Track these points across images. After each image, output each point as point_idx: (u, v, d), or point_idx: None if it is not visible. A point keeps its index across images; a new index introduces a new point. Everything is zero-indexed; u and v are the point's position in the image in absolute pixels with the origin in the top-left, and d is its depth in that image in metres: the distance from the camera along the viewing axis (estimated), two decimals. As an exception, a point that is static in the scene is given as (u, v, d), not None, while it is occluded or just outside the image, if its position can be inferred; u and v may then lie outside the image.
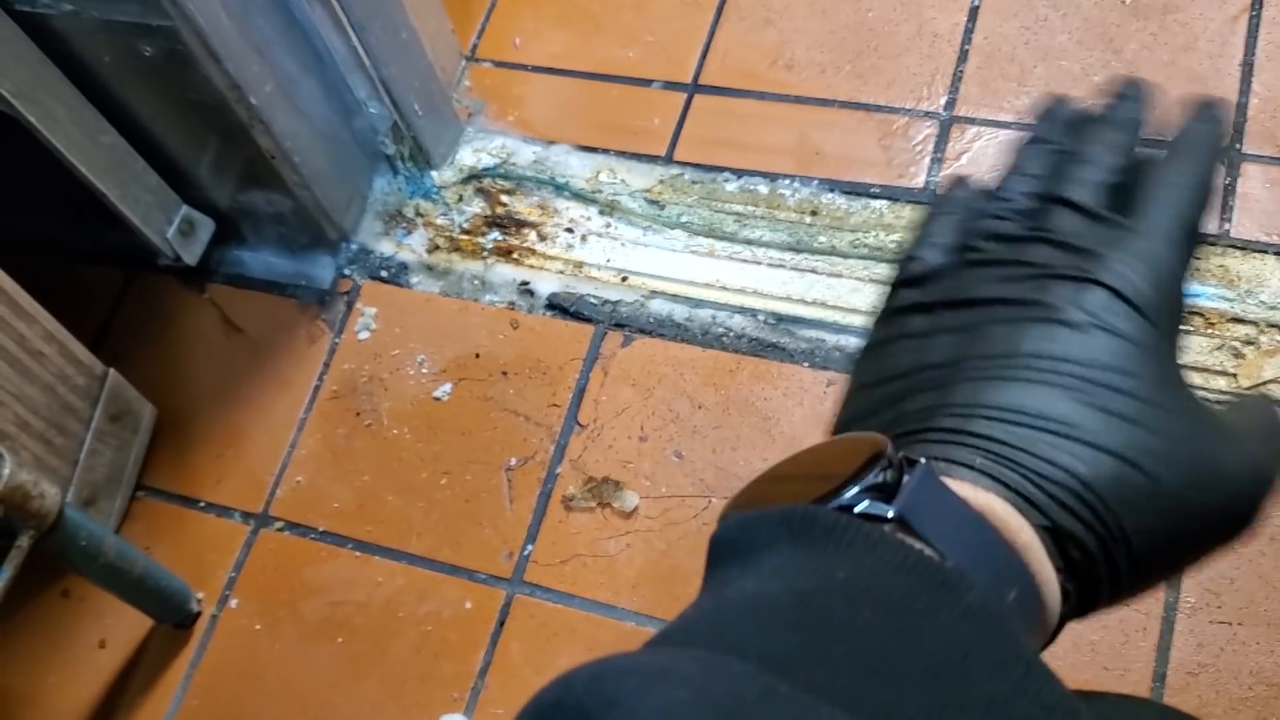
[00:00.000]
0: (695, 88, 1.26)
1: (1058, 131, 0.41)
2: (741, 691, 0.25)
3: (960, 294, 0.37)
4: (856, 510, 0.31)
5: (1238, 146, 1.10)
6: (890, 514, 0.31)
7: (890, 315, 0.40)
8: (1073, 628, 0.94)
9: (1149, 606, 0.94)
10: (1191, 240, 0.37)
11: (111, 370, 1.12)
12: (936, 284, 0.38)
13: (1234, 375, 1.01)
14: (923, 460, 0.32)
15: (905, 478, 0.32)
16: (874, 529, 0.31)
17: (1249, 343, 1.02)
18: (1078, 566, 0.33)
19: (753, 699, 0.25)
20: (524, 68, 1.32)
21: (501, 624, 1.04)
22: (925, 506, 0.31)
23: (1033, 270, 0.36)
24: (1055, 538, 0.32)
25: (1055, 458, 0.32)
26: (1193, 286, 1.04)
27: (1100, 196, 0.38)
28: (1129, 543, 0.33)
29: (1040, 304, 0.35)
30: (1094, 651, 0.94)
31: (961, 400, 0.34)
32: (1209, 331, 1.03)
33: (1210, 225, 1.06)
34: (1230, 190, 1.09)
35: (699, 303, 1.14)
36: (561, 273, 1.19)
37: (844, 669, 0.27)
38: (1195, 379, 1.01)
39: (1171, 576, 0.36)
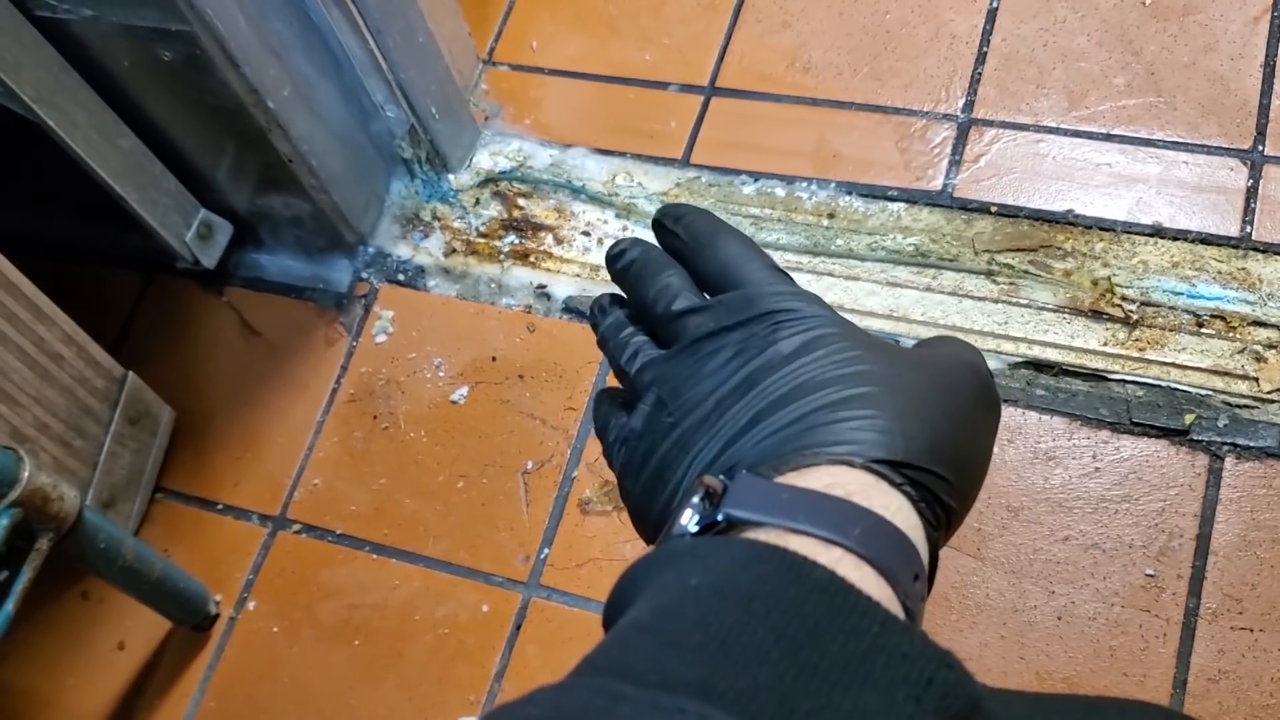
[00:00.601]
0: (712, 90, 1.26)
1: (619, 303, 0.47)
2: (590, 701, 0.28)
3: (696, 386, 0.41)
4: (694, 530, 0.35)
5: (1260, 149, 1.10)
6: (720, 516, 0.35)
7: (626, 438, 0.43)
8: (1091, 634, 0.94)
9: (1169, 612, 0.94)
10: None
11: (130, 373, 1.12)
12: (650, 405, 0.42)
13: (1255, 380, 1.00)
14: (742, 470, 0.36)
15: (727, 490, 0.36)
16: (721, 538, 0.34)
17: (1271, 346, 1.01)
18: (934, 512, 0.37)
19: (600, 704, 0.27)
20: (541, 71, 1.32)
21: (518, 627, 1.04)
22: (751, 498, 0.35)
23: (727, 346, 0.41)
24: (887, 472, 0.36)
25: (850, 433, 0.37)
26: (1214, 289, 1.04)
27: (691, 295, 0.43)
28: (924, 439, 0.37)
29: (764, 361, 0.40)
30: (1113, 657, 0.93)
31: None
32: (1230, 335, 1.02)
33: (1233, 228, 1.06)
34: (1252, 193, 1.08)
35: (716, 306, 1.14)
36: (578, 276, 1.19)
37: (695, 659, 0.29)
38: (1217, 383, 1.00)
39: (974, 463, 0.40)
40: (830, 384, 0.38)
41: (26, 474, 0.84)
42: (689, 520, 0.35)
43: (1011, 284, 1.08)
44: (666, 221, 0.46)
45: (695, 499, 0.36)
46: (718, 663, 0.29)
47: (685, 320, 0.42)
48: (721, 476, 0.37)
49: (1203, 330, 1.03)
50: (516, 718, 0.28)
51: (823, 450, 0.36)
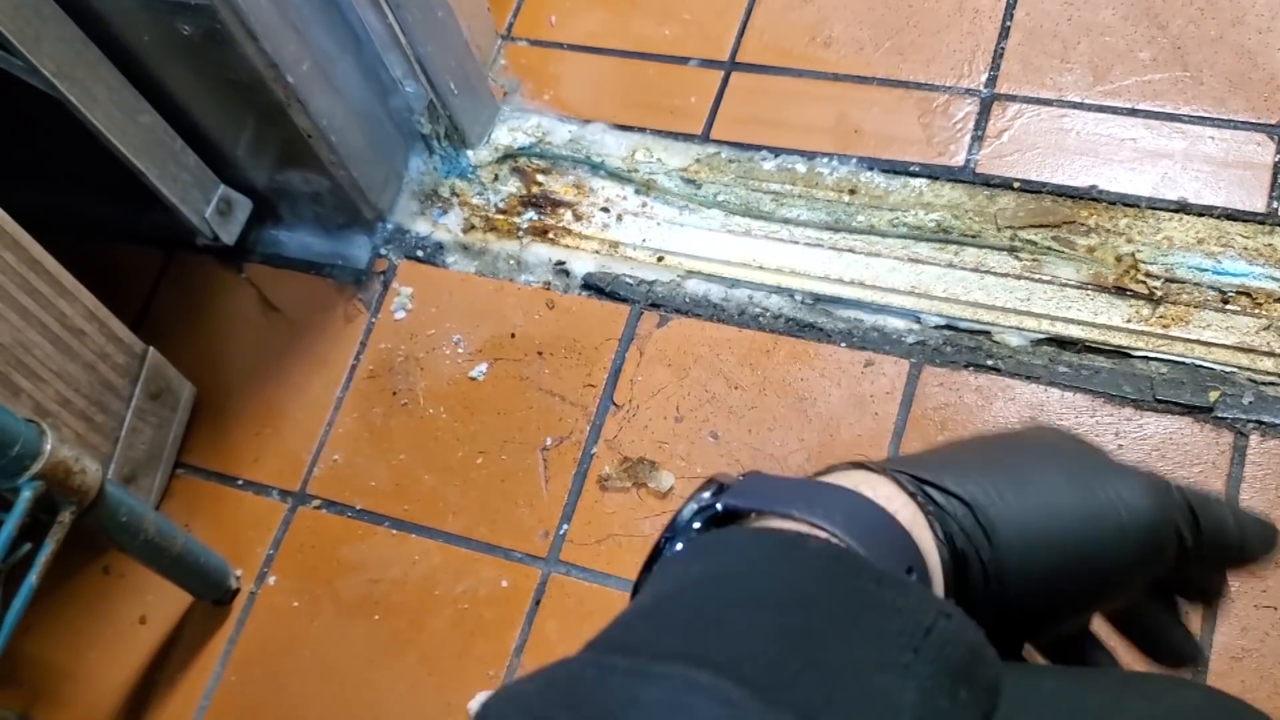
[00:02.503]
0: (732, 65, 1.25)
1: None
2: (582, 673, 0.29)
3: None
4: (691, 516, 0.36)
5: (1287, 123, 1.08)
6: (719, 506, 0.36)
7: None
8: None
9: (1192, 590, 0.93)
10: None
11: (151, 349, 1.12)
12: None
13: (1281, 356, 0.99)
14: (751, 471, 0.38)
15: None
16: (722, 529, 0.35)
17: (1297, 323, 1.00)
18: (949, 532, 0.36)
19: (591, 675, 0.29)
20: (560, 46, 1.31)
21: (537, 603, 1.04)
22: (751, 491, 0.36)
23: None
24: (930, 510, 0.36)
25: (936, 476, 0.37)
26: (1239, 265, 1.03)
27: None
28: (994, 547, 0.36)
29: None
30: (1136, 635, 0.92)
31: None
32: (1256, 312, 1.01)
33: (1259, 204, 1.05)
34: (1279, 168, 1.07)
35: (735, 282, 1.13)
36: (597, 252, 1.18)
37: (688, 634, 0.30)
38: (1241, 360, 0.99)
39: (1065, 613, 0.40)
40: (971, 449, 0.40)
41: (49, 447, 0.85)
42: (690, 510, 0.37)
43: (1034, 260, 1.07)
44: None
45: (705, 493, 0.37)
46: (710, 635, 0.29)
47: None
48: (741, 475, 0.38)
49: (1228, 307, 1.02)
50: (514, 692, 0.29)
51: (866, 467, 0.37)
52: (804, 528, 0.33)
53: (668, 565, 0.35)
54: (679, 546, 0.36)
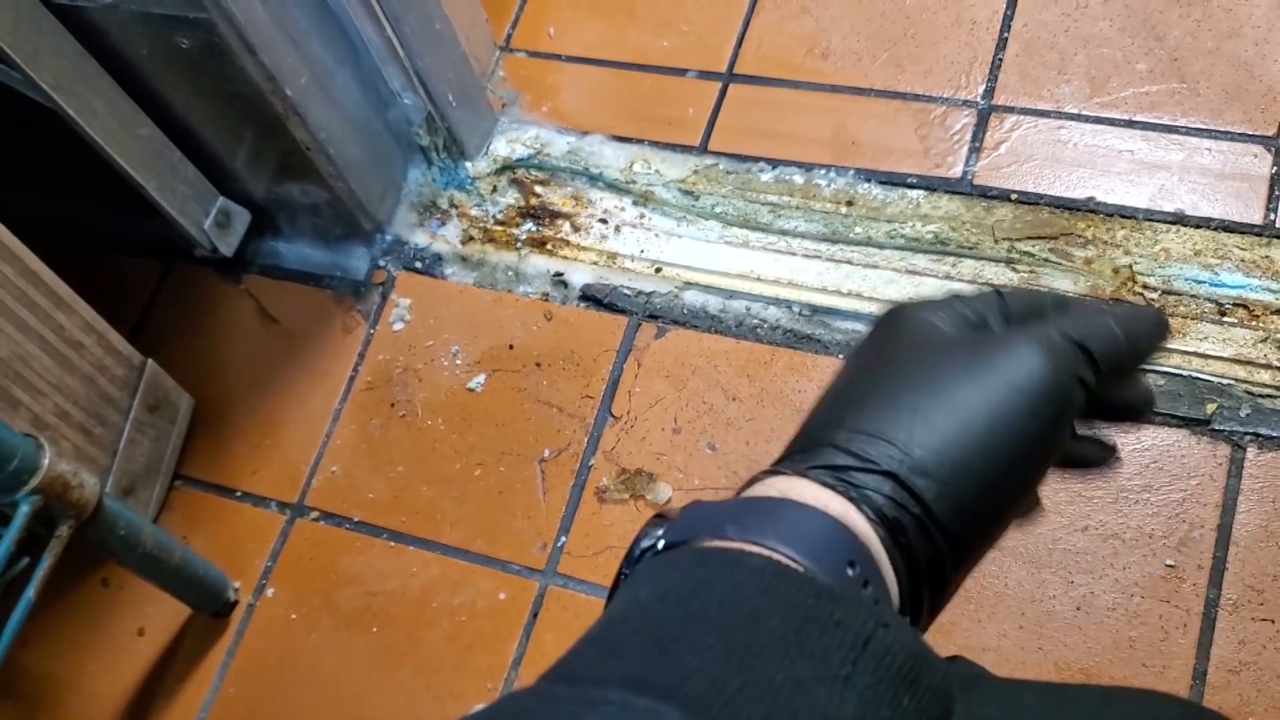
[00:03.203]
0: (730, 77, 1.25)
1: None
2: (525, 704, 0.29)
3: None
4: (642, 556, 0.37)
5: (1284, 135, 1.08)
6: (660, 545, 0.36)
7: None
8: (1111, 625, 0.93)
9: (1189, 603, 0.93)
10: None
11: (149, 360, 1.13)
12: None
13: (1279, 368, 0.99)
14: (694, 501, 0.38)
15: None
16: (669, 552, 0.35)
17: (1294, 335, 1.00)
18: (877, 509, 0.36)
19: (534, 706, 0.29)
20: (558, 58, 1.32)
21: (535, 615, 1.04)
22: (687, 522, 0.36)
23: None
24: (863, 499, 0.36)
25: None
26: (1237, 277, 1.03)
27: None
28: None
29: None
30: (1132, 648, 0.92)
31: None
32: (1253, 324, 1.01)
33: (1256, 216, 1.05)
34: (1276, 180, 1.07)
35: (733, 294, 1.13)
36: (595, 264, 1.18)
37: (631, 659, 0.30)
38: (1239, 372, 1.00)
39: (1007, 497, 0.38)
40: (834, 392, 0.40)
41: (47, 461, 0.85)
42: (639, 544, 0.37)
43: (1032, 272, 1.07)
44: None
45: (656, 529, 0.37)
46: (652, 658, 0.30)
47: None
48: (683, 507, 0.38)
49: (1225, 319, 1.02)
50: None
51: (785, 466, 0.38)
52: (744, 546, 0.34)
53: (622, 590, 0.36)
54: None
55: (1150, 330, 0.41)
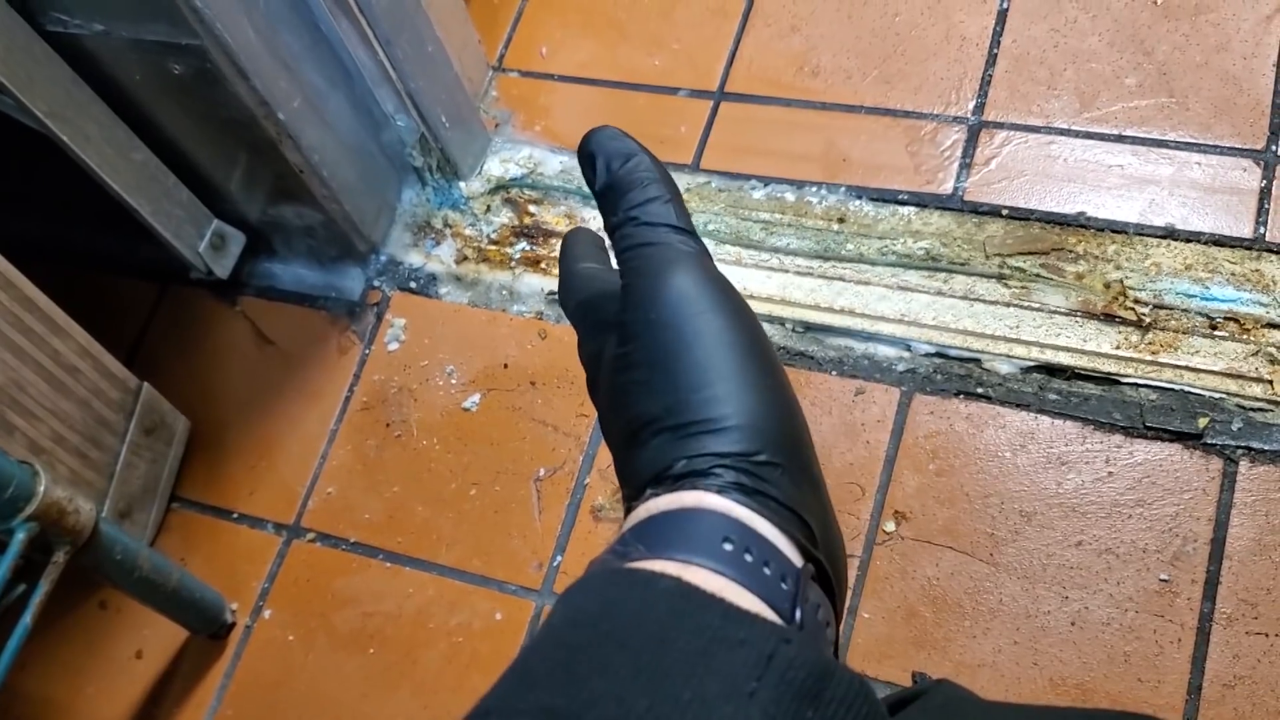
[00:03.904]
0: (721, 95, 1.26)
1: None
2: None
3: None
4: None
5: (1273, 149, 1.09)
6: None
7: None
8: (1105, 640, 0.93)
9: (1184, 617, 0.93)
10: None
11: (145, 384, 1.13)
12: None
13: (1270, 382, 0.99)
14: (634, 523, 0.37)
15: None
16: (583, 576, 0.35)
17: (1285, 348, 1.01)
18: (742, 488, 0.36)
19: None
20: (551, 77, 1.32)
21: (531, 635, 1.04)
22: (610, 549, 0.36)
23: None
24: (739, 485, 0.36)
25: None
26: (1227, 291, 1.03)
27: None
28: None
29: None
30: (1127, 663, 0.93)
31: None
32: (1244, 338, 1.02)
33: (1245, 229, 1.05)
34: (1266, 194, 1.07)
35: (727, 311, 1.14)
36: (589, 282, 1.19)
37: (540, 686, 0.30)
38: (1230, 386, 1.00)
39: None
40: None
41: (43, 488, 0.85)
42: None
43: (1023, 287, 1.08)
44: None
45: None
46: (560, 684, 0.30)
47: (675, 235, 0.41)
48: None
49: (1216, 333, 1.02)
50: None
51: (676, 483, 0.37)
52: (655, 564, 0.34)
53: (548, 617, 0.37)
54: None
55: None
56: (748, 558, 0.34)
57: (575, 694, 0.30)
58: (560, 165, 1.26)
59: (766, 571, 0.34)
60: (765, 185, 1.19)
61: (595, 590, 0.34)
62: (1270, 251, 1.05)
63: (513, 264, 1.22)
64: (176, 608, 1.04)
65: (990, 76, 1.19)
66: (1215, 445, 0.98)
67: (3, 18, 0.94)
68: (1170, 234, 1.07)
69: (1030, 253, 1.09)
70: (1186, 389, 1.00)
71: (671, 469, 0.36)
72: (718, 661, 0.30)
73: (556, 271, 1.20)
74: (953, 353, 1.06)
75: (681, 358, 0.37)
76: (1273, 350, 1.01)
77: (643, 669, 0.30)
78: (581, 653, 0.31)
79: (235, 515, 1.17)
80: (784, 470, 0.36)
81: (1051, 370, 1.04)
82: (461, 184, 1.26)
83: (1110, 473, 0.99)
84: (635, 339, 0.38)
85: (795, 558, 0.36)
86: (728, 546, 0.34)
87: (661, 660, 0.30)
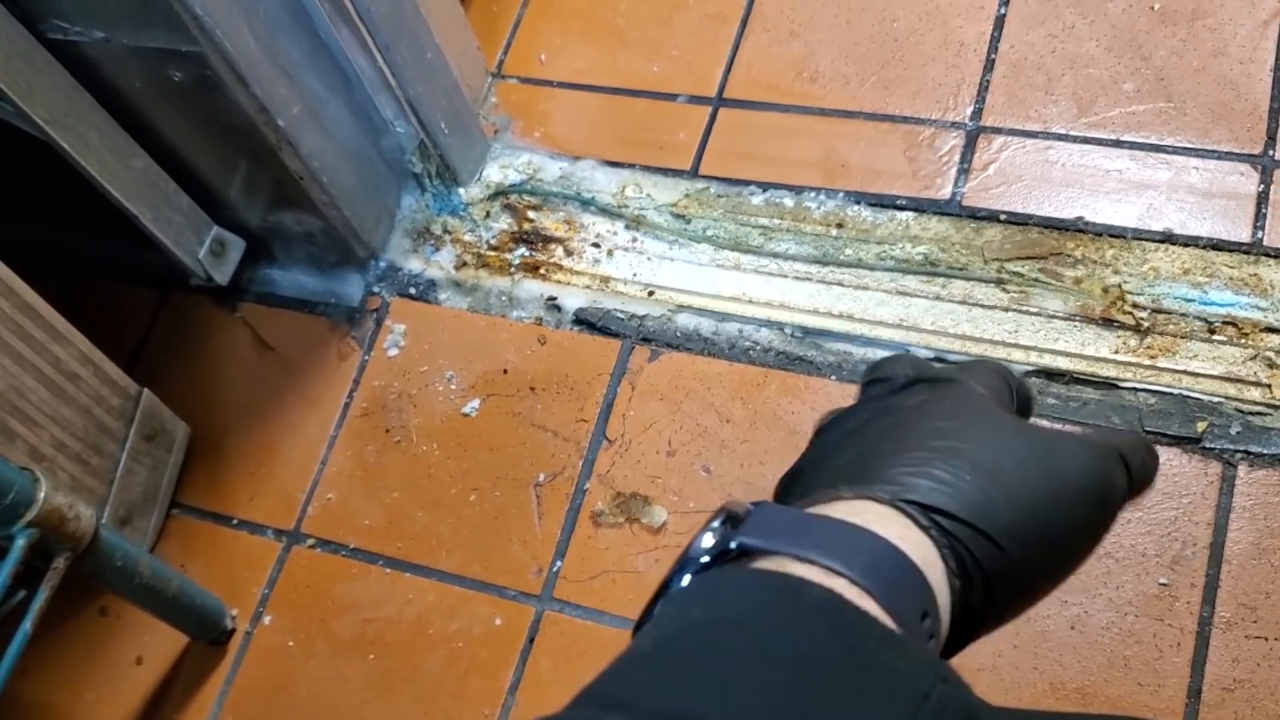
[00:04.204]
0: (720, 101, 1.26)
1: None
2: None
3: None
4: (706, 550, 0.36)
5: (1271, 153, 1.09)
6: (733, 545, 0.35)
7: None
8: (1105, 644, 0.93)
9: (1183, 621, 0.93)
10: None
11: (146, 390, 1.13)
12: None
13: (1268, 386, 0.99)
14: (762, 502, 0.37)
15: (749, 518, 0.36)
16: (725, 568, 0.35)
17: (1283, 352, 1.01)
18: (960, 561, 0.37)
19: None
20: (550, 83, 1.33)
21: (531, 640, 1.04)
22: (764, 526, 0.35)
23: None
24: (935, 533, 0.36)
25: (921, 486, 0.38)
26: (1226, 295, 1.03)
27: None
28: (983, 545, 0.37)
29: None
30: (1127, 667, 0.93)
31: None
32: (1242, 342, 1.02)
33: (1244, 233, 1.05)
34: (1263, 198, 1.07)
35: (726, 316, 1.14)
36: (588, 288, 1.19)
37: (686, 690, 0.29)
38: (1229, 390, 1.00)
39: (1047, 581, 0.40)
40: (916, 436, 0.40)
41: (43, 494, 0.85)
42: (705, 542, 0.36)
43: (1022, 292, 1.08)
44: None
45: (716, 523, 0.37)
46: (708, 691, 0.29)
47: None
48: (750, 504, 0.37)
49: (1214, 337, 1.02)
50: None
51: (865, 488, 0.37)
52: (815, 572, 0.33)
53: (671, 603, 0.35)
54: (685, 582, 0.36)
55: (1155, 463, 0.45)
56: (890, 572, 0.34)
57: (721, 704, 0.29)
58: (560, 171, 1.26)
59: (904, 589, 0.34)
60: (764, 191, 1.19)
61: (742, 592, 0.33)
62: (1268, 256, 1.05)
63: (512, 269, 1.22)
64: (177, 614, 1.04)
65: (988, 82, 1.19)
66: (1214, 449, 0.98)
67: (3, 25, 0.95)
68: (1168, 238, 1.08)
69: (1028, 257, 1.09)
70: (1185, 393, 1.01)
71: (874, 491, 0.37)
72: (871, 688, 0.29)
73: (556, 277, 1.21)
74: (952, 357, 1.07)
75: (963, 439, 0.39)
76: (1271, 354, 1.01)
77: (793, 689, 0.29)
78: (727, 660, 0.30)
79: (235, 521, 1.17)
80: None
81: (1050, 374, 1.04)
82: (461, 190, 1.26)
83: (1109, 477, 0.99)
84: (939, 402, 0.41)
85: (942, 586, 0.35)
86: (868, 557, 0.34)
87: (813, 680, 0.29)
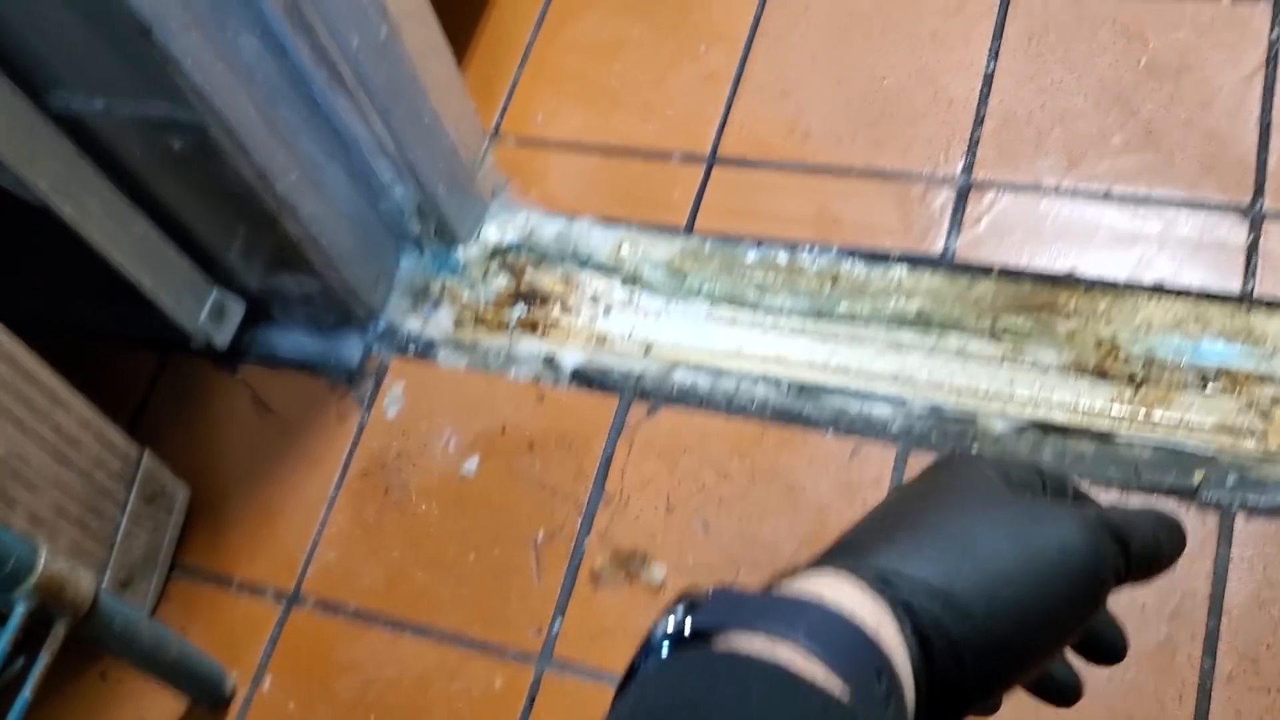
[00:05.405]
0: (714, 159, 1.27)
1: None
2: None
3: None
4: (666, 633, 0.37)
5: (1259, 204, 1.10)
6: (687, 628, 0.36)
7: None
8: (1107, 697, 0.93)
9: (1184, 674, 0.93)
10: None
11: (146, 452, 1.14)
12: None
13: (1263, 435, 1.00)
14: (721, 586, 0.38)
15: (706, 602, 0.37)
16: (684, 652, 0.36)
17: (1277, 402, 1.01)
18: (917, 622, 0.37)
19: None
20: (546, 144, 1.34)
21: (532, 700, 1.04)
22: (717, 609, 0.36)
23: None
24: (904, 617, 0.37)
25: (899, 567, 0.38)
26: (1218, 346, 1.04)
27: None
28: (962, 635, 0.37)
29: None
30: (1129, 721, 0.92)
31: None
32: (1236, 392, 1.02)
33: (1234, 284, 1.06)
34: (1253, 248, 1.08)
35: (722, 372, 1.15)
36: (586, 345, 1.20)
37: None
38: (1224, 440, 1.00)
39: (1027, 661, 0.39)
40: (893, 510, 0.41)
41: (43, 561, 0.86)
42: (666, 628, 0.37)
43: (1015, 345, 1.09)
44: None
45: (678, 608, 0.38)
46: None
47: None
48: (711, 589, 0.38)
49: (1208, 388, 1.03)
50: None
51: (830, 561, 0.38)
52: (762, 643, 0.34)
53: (636, 687, 0.36)
54: (648, 666, 0.37)
55: (1176, 541, 0.43)
56: (836, 635, 0.34)
57: None
58: (556, 230, 1.27)
59: (853, 650, 0.34)
60: (758, 247, 1.21)
61: (695, 671, 0.34)
62: (1259, 306, 1.06)
63: (510, 328, 1.23)
64: (177, 678, 1.04)
65: (978, 137, 1.21)
66: (1211, 500, 0.99)
67: (7, 98, 0.97)
68: (1160, 290, 1.08)
69: (1022, 310, 1.10)
70: (1180, 444, 1.01)
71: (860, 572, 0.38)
72: None
73: (554, 334, 1.22)
74: (948, 411, 1.07)
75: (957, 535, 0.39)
76: (1265, 403, 1.01)
77: None
78: None
79: (235, 583, 1.17)
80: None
81: (1045, 428, 1.04)
82: (459, 250, 1.27)
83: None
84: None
85: (897, 645, 0.36)
86: (812, 621, 0.35)
87: None
